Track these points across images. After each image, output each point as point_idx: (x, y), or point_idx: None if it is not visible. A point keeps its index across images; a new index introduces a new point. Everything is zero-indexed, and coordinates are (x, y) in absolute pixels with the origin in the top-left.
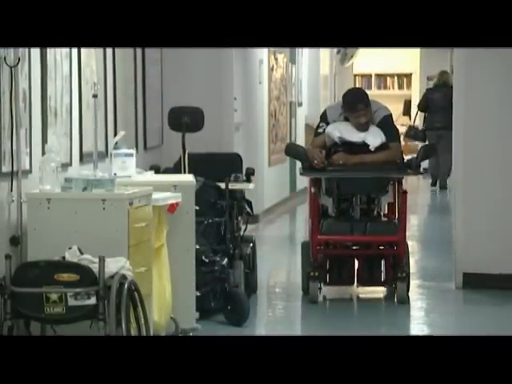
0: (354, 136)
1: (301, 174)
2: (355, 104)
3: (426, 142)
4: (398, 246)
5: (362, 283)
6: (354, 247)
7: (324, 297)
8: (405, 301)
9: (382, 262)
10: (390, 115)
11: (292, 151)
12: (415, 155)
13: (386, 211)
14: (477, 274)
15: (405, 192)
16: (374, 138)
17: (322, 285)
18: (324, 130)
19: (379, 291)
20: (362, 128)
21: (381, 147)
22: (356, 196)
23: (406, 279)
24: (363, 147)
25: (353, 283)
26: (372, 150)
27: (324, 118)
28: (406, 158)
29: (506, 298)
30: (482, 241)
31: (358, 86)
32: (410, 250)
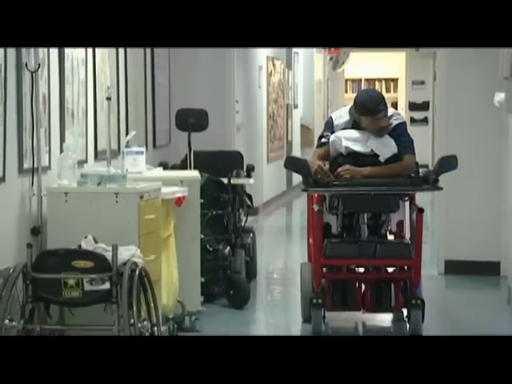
0: (362, 146)
1: (303, 190)
2: (376, 106)
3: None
4: (412, 270)
5: (368, 309)
6: (362, 270)
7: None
8: (419, 331)
9: (392, 286)
10: (404, 123)
11: (292, 165)
12: (431, 167)
13: (395, 229)
14: (457, 261)
15: (421, 210)
16: (385, 147)
17: (325, 313)
18: (329, 139)
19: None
20: (381, 133)
21: (392, 159)
22: (363, 213)
23: (422, 307)
24: (372, 158)
25: (358, 309)
26: (382, 161)
27: (329, 125)
28: (421, 170)
29: (483, 283)
30: (462, 231)
31: (348, 89)
32: None
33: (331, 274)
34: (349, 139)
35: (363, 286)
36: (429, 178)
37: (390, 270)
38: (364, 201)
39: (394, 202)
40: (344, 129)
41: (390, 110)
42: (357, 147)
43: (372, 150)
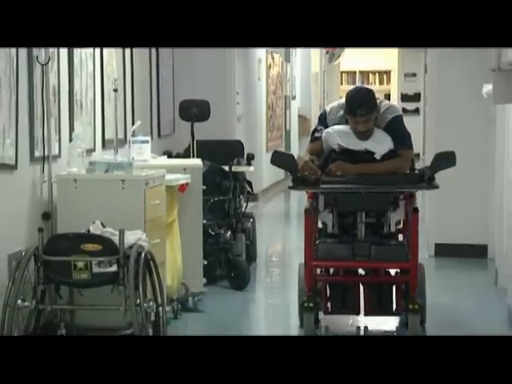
0: (356, 143)
1: (289, 187)
2: (354, 109)
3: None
4: (409, 273)
5: (369, 313)
6: (360, 273)
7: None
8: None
9: (394, 288)
10: (400, 116)
11: (279, 160)
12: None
13: (394, 229)
14: (447, 244)
15: (416, 209)
16: (379, 144)
17: (320, 316)
18: (322, 134)
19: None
20: (361, 136)
21: (388, 155)
22: (360, 212)
23: (420, 312)
24: (367, 155)
25: (358, 313)
26: (378, 158)
27: (323, 119)
28: (418, 167)
29: (471, 265)
30: (451, 216)
31: (343, 81)
32: None
33: (323, 277)
34: (341, 135)
35: (362, 289)
36: (424, 176)
37: (393, 272)
38: (356, 199)
39: (387, 200)
40: (338, 124)
41: (386, 104)
42: (350, 145)
43: (366, 148)
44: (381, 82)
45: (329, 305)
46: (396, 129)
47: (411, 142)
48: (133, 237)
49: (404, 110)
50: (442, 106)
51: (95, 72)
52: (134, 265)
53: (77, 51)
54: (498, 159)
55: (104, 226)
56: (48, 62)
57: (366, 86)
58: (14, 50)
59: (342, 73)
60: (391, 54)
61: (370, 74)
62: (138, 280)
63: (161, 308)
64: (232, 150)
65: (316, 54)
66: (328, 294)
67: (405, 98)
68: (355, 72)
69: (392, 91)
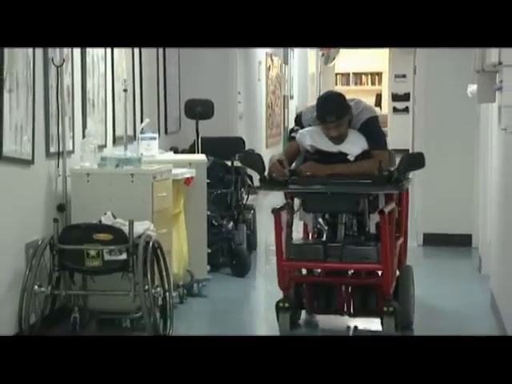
0: (329, 144)
1: (257, 188)
2: (324, 116)
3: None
4: (382, 275)
5: (353, 314)
6: (337, 274)
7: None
8: None
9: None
10: (375, 117)
11: (247, 161)
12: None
13: (374, 230)
14: (434, 234)
15: (381, 212)
16: (353, 145)
17: (300, 314)
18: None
19: None
20: (335, 141)
21: (362, 156)
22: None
23: (394, 314)
24: (340, 156)
25: (341, 313)
26: (351, 159)
27: (298, 121)
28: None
29: (457, 253)
30: (438, 207)
31: (338, 82)
32: None
33: (297, 277)
34: (314, 136)
35: (346, 289)
36: (392, 178)
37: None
38: (323, 201)
39: (355, 202)
40: (313, 125)
41: (360, 105)
42: (323, 146)
43: (339, 150)
44: (373, 83)
45: (311, 305)
46: (370, 130)
47: (385, 143)
48: (141, 227)
49: (394, 108)
50: (430, 105)
51: (106, 73)
52: (142, 253)
53: (89, 54)
54: (482, 155)
55: (115, 217)
56: (62, 64)
57: (336, 91)
58: (30, 52)
59: (336, 74)
60: (382, 57)
61: (363, 76)
62: (147, 267)
63: (168, 293)
64: (234, 146)
65: (312, 57)
66: (311, 294)
67: (395, 97)
68: (349, 73)
69: (383, 91)
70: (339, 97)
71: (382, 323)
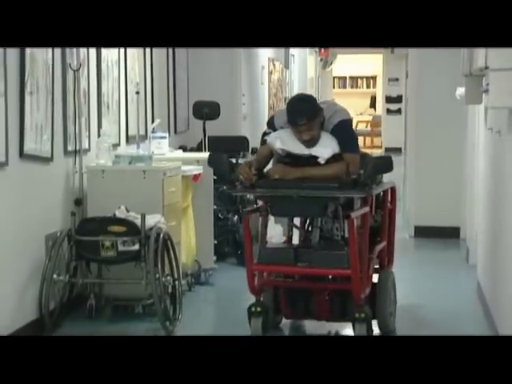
0: (300, 147)
1: (222, 190)
2: (295, 118)
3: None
4: (351, 280)
5: (330, 319)
6: (311, 278)
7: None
8: None
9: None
10: (348, 120)
11: (214, 163)
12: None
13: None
14: (425, 226)
15: (348, 217)
16: (324, 149)
17: (281, 318)
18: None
19: None
20: (308, 144)
21: (334, 159)
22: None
23: (366, 321)
24: (311, 159)
25: (319, 318)
26: (322, 162)
27: (271, 124)
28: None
29: (446, 244)
30: (428, 201)
31: (335, 85)
32: None
33: (268, 281)
34: (284, 140)
35: (321, 294)
36: (358, 182)
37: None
38: (289, 204)
39: (321, 206)
40: (284, 127)
41: (333, 108)
42: (293, 149)
43: (309, 154)
44: (368, 86)
45: (288, 310)
46: (342, 133)
47: (357, 147)
48: (153, 220)
49: (388, 110)
50: (421, 106)
51: (120, 77)
52: (153, 244)
53: (104, 59)
54: (469, 153)
55: (128, 211)
56: (79, 68)
57: (306, 93)
58: (50, 57)
59: (334, 78)
60: (377, 61)
61: (359, 79)
62: (157, 257)
63: (177, 281)
64: (238, 145)
65: (311, 62)
66: (287, 299)
67: (389, 99)
68: (346, 77)
69: (378, 94)
70: (310, 98)
71: (353, 329)
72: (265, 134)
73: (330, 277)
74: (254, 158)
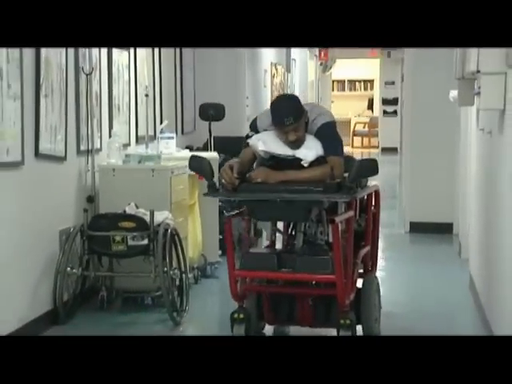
0: (283, 149)
1: (204, 194)
2: (281, 119)
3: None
4: (336, 286)
5: (314, 325)
6: (295, 284)
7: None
8: None
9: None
10: (332, 122)
11: (195, 166)
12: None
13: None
14: (420, 222)
15: (332, 221)
16: (308, 150)
17: (265, 324)
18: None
19: None
20: (293, 146)
21: (317, 162)
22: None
23: (351, 327)
24: (295, 162)
25: (302, 324)
26: (305, 165)
27: (253, 126)
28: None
29: (440, 239)
30: (423, 199)
31: (334, 88)
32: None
33: (251, 287)
34: (267, 142)
35: (305, 300)
36: (343, 186)
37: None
38: (272, 208)
39: (303, 210)
40: (268, 130)
41: (317, 110)
42: (276, 150)
43: (293, 154)
44: (365, 89)
45: (270, 315)
46: (326, 135)
47: (340, 149)
48: (161, 216)
49: (384, 111)
50: (416, 108)
51: (130, 80)
52: (161, 239)
53: (115, 63)
54: (462, 152)
55: (137, 207)
56: (91, 72)
57: (289, 93)
58: (63, 61)
59: (333, 81)
60: (374, 66)
61: (357, 82)
62: (165, 251)
63: (184, 275)
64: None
65: (312, 66)
66: (270, 305)
67: (385, 101)
68: (344, 80)
69: (375, 96)
70: (294, 98)
71: (338, 335)
72: (247, 136)
73: (314, 282)
74: (237, 160)
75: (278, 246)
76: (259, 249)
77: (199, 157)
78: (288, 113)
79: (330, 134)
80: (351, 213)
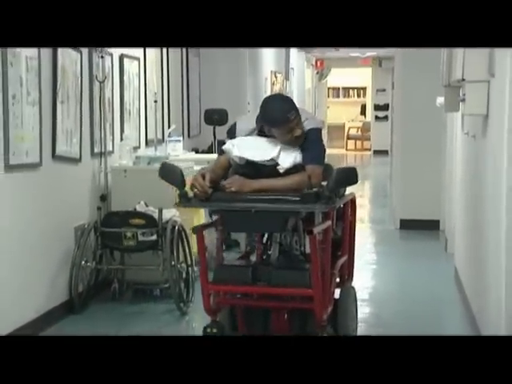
0: (260, 154)
1: (174, 204)
2: (285, 115)
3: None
4: (313, 300)
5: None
6: (270, 297)
7: None
8: None
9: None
10: (318, 129)
11: (165, 175)
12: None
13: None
14: (409, 219)
15: (309, 231)
16: (286, 156)
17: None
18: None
19: None
20: (297, 142)
21: (295, 169)
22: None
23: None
24: (272, 169)
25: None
26: (281, 171)
27: (232, 132)
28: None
29: (427, 235)
30: (412, 197)
31: (330, 95)
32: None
33: (226, 300)
34: (242, 147)
35: (280, 313)
36: (321, 195)
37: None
38: (246, 219)
39: (280, 221)
40: (251, 135)
41: (305, 114)
42: (252, 156)
43: (272, 159)
44: (358, 96)
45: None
46: (310, 140)
47: (322, 159)
48: (169, 214)
49: (376, 117)
50: (406, 114)
51: (140, 87)
52: (169, 235)
53: (126, 71)
54: (448, 154)
55: (147, 206)
56: (104, 80)
57: (278, 93)
58: (78, 70)
59: (328, 88)
60: (366, 74)
61: (350, 90)
62: (173, 246)
63: (190, 268)
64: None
65: (309, 74)
66: (245, 318)
67: (377, 107)
68: (339, 88)
69: (367, 102)
70: (286, 96)
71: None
72: (223, 143)
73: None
74: (210, 168)
75: (253, 256)
76: (233, 261)
77: (170, 165)
78: (289, 108)
79: (314, 140)
80: (329, 223)
